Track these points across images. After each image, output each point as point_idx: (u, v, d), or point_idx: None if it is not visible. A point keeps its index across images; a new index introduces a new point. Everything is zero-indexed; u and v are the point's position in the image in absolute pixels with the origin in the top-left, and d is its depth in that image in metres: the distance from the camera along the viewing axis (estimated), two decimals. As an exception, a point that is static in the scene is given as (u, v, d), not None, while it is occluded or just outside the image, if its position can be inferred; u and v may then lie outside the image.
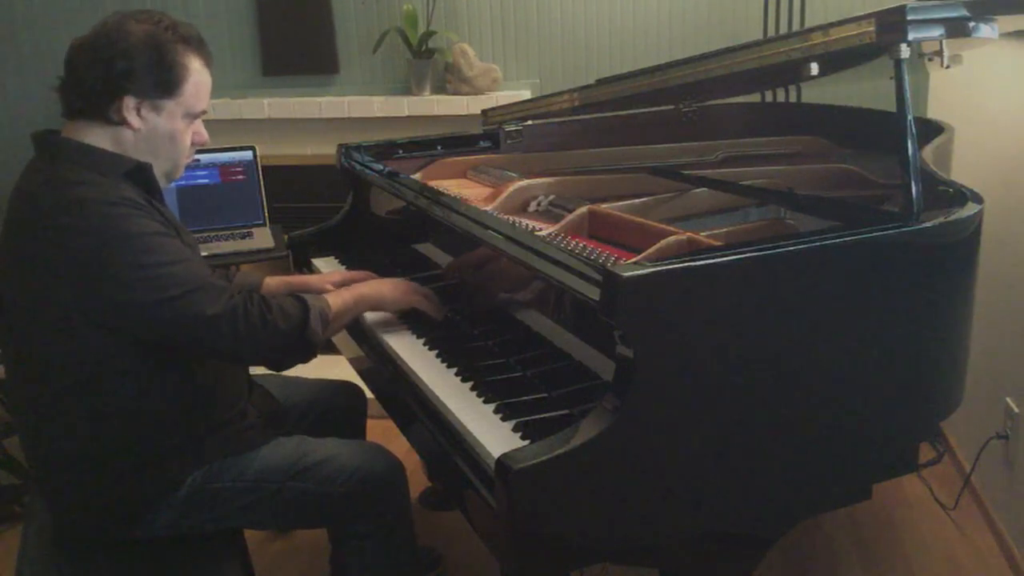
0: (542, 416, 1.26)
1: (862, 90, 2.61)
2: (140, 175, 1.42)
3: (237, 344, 1.38)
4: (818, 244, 1.20)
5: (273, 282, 1.82)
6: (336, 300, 1.54)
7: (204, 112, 1.48)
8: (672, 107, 2.36)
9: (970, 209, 1.36)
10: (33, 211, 1.35)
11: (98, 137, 1.40)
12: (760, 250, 1.16)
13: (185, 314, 1.34)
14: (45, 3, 3.30)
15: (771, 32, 2.78)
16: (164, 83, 1.39)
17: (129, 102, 1.38)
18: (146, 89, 1.38)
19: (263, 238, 2.81)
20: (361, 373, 1.82)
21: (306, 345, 1.45)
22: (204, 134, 1.50)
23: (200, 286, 1.35)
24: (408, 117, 3.07)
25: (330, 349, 1.90)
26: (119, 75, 1.36)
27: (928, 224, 1.28)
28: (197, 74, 1.43)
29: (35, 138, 1.43)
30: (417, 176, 2.15)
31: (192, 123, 1.47)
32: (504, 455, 1.08)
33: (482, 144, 2.32)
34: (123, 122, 1.39)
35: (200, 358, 1.44)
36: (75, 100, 1.40)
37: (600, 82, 1.98)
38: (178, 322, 1.34)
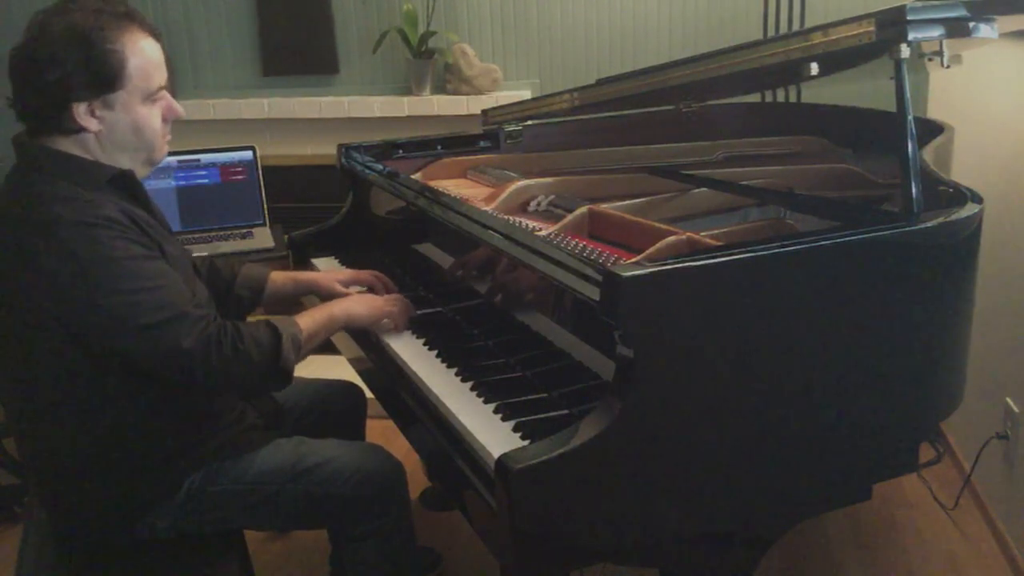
0: (542, 416, 1.26)
1: (862, 90, 2.61)
2: (123, 182, 1.38)
3: (210, 376, 1.34)
4: (818, 244, 1.20)
5: (280, 277, 1.81)
6: (307, 322, 1.49)
7: (162, 87, 1.38)
8: (672, 107, 2.36)
9: (970, 209, 1.36)
10: (10, 230, 1.30)
11: (68, 146, 1.34)
12: (760, 250, 1.16)
13: (158, 344, 1.30)
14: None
15: (771, 32, 2.78)
16: (104, 77, 1.30)
17: (78, 108, 1.31)
18: (89, 89, 1.30)
19: (263, 238, 2.81)
20: (361, 373, 1.82)
21: (279, 373, 1.41)
22: (177, 108, 1.42)
23: (176, 315, 1.31)
24: (408, 117, 3.07)
25: (330, 349, 1.90)
26: (57, 86, 1.28)
27: (928, 224, 1.28)
28: (137, 53, 1.33)
29: (15, 143, 1.38)
30: (417, 176, 2.15)
31: (156, 103, 1.38)
32: (504, 455, 1.08)
33: (482, 144, 2.31)
34: (81, 129, 1.33)
35: (172, 386, 1.39)
36: (28, 119, 1.35)
37: (600, 82, 1.98)
38: (151, 352, 1.31)
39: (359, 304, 1.64)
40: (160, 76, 1.38)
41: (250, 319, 1.53)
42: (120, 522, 1.43)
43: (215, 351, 1.33)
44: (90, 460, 1.40)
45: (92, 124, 1.33)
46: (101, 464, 1.40)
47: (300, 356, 1.46)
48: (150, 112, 1.37)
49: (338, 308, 1.60)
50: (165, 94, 1.40)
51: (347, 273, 1.83)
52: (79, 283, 1.27)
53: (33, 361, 1.35)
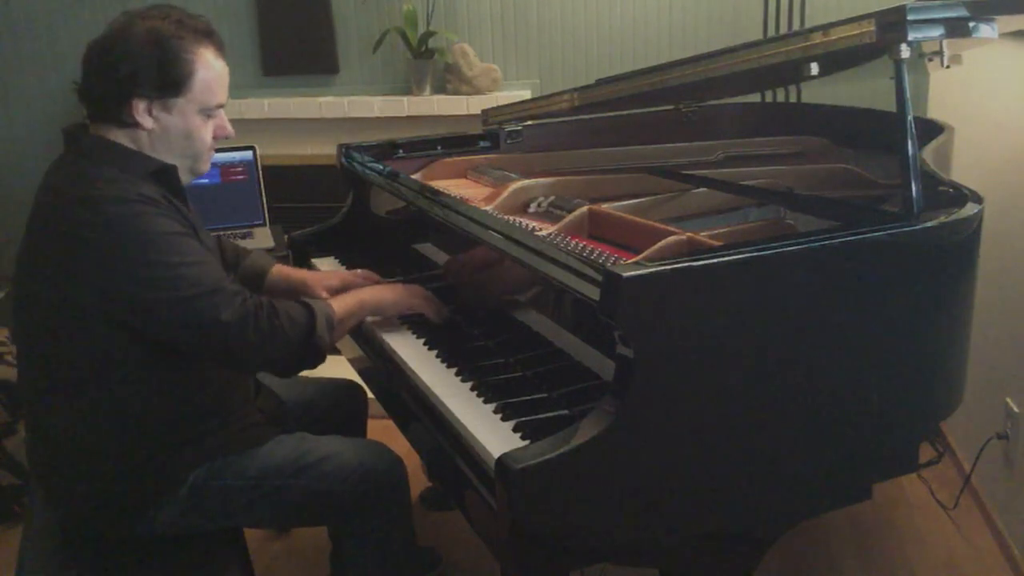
0: (542, 416, 1.26)
1: (862, 90, 2.62)
2: (165, 176, 1.43)
3: (246, 350, 1.38)
4: (818, 244, 1.20)
5: (276, 275, 1.81)
6: (340, 306, 1.54)
7: (220, 105, 1.46)
8: (672, 107, 2.36)
9: (970, 209, 1.36)
10: (54, 206, 1.36)
11: (119, 137, 1.41)
12: (760, 250, 1.16)
13: (197, 317, 1.34)
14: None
15: (771, 32, 2.78)
16: (170, 81, 1.38)
17: (138, 104, 1.38)
18: (153, 90, 1.38)
19: (263, 238, 2.81)
20: (361, 373, 1.82)
21: (314, 351, 1.45)
22: (228, 128, 1.50)
23: (214, 288, 1.35)
24: (408, 117, 3.07)
25: (330, 349, 1.90)
26: (124, 79, 1.36)
27: (928, 224, 1.28)
28: (206, 68, 1.42)
29: (66, 133, 1.44)
30: (417, 176, 2.15)
31: (211, 117, 1.46)
32: (504, 455, 1.08)
33: (482, 144, 2.31)
34: (135, 124, 1.39)
35: (208, 361, 1.44)
36: (89, 104, 1.41)
37: (600, 82, 1.98)
38: (189, 324, 1.34)
39: (388, 291, 1.68)
40: (222, 95, 1.46)
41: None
42: (123, 516, 1.44)
43: (252, 325, 1.37)
44: (97, 451, 1.40)
45: (147, 122, 1.40)
46: (106, 454, 1.41)
47: (333, 337, 1.51)
48: (204, 124, 1.45)
49: (368, 294, 1.64)
50: (221, 113, 1.48)
51: (339, 276, 1.81)
52: (121, 256, 1.31)
53: (60, 341, 1.37)
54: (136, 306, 1.33)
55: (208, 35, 1.43)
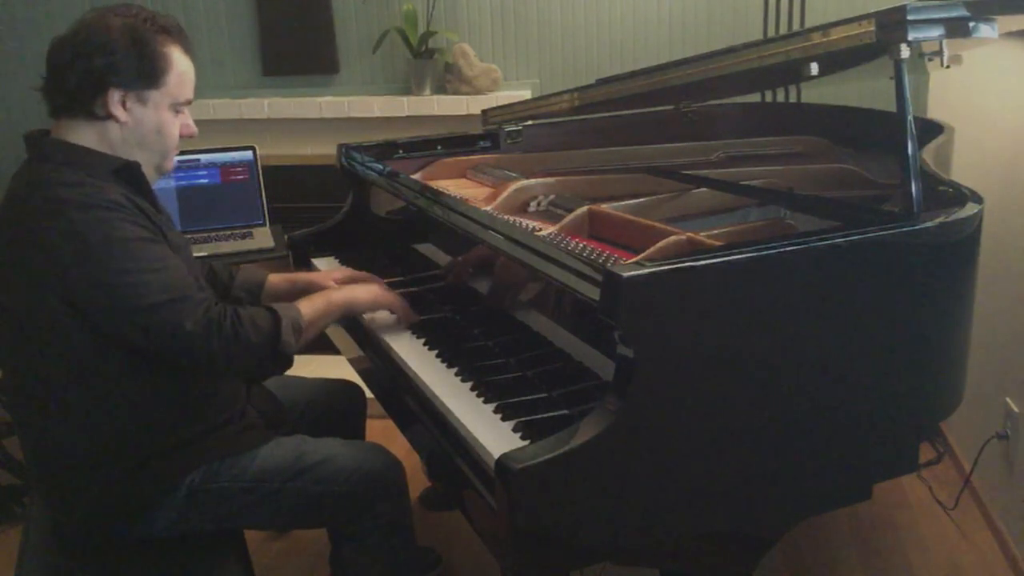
0: (542, 416, 1.26)
1: (862, 90, 2.62)
2: (128, 174, 1.41)
3: (210, 358, 1.37)
4: (818, 244, 1.20)
5: (276, 279, 1.82)
6: (308, 308, 1.52)
7: (189, 102, 1.47)
8: (672, 107, 2.37)
9: (970, 209, 1.36)
10: (18, 214, 1.35)
11: (85, 135, 1.39)
12: (760, 250, 1.16)
13: (160, 324, 1.33)
14: (42, 2, 3.30)
15: (771, 32, 2.78)
16: (147, 74, 1.39)
17: (114, 95, 1.37)
18: (130, 81, 1.38)
19: (263, 238, 2.81)
20: (361, 373, 1.82)
21: (279, 357, 1.44)
22: (193, 127, 1.49)
23: (178, 297, 1.34)
24: (408, 117, 3.07)
25: (330, 349, 1.91)
26: (101, 69, 1.35)
27: (928, 224, 1.28)
28: (179, 64, 1.43)
29: (27, 139, 1.43)
30: (417, 176, 2.15)
31: (179, 115, 1.46)
32: (504, 455, 1.08)
33: (482, 144, 2.32)
34: (109, 116, 1.38)
35: (176, 366, 1.42)
36: (58, 98, 1.39)
37: (600, 82, 1.98)
38: (153, 332, 1.33)
39: (360, 290, 1.67)
40: (190, 92, 1.47)
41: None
42: (121, 519, 1.43)
43: (216, 333, 1.36)
44: (92, 454, 1.40)
45: (121, 114, 1.39)
46: (102, 458, 1.40)
47: (301, 341, 1.49)
48: (174, 120, 1.45)
49: (337, 294, 1.63)
50: (186, 111, 1.48)
51: (343, 273, 1.83)
52: (85, 262, 1.30)
53: (40, 349, 1.36)
54: (100, 314, 1.32)
55: (178, 33, 1.44)
